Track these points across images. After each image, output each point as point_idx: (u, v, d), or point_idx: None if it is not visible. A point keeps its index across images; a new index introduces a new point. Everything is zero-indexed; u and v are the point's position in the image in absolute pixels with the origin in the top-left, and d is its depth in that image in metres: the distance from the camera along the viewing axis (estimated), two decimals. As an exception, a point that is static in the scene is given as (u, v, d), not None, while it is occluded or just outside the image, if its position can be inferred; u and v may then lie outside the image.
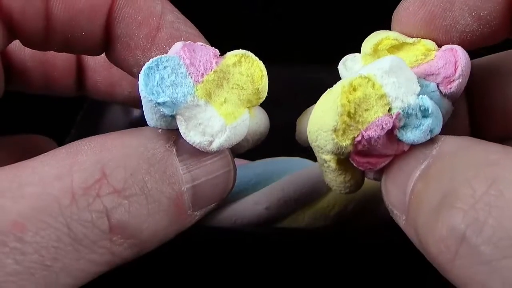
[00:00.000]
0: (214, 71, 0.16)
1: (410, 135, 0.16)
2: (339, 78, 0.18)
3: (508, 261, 0.12)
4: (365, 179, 0.19)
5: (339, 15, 0.41)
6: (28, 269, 0.14)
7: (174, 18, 0.18)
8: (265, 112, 0.19)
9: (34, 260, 0.14)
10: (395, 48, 0.18)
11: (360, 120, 0.16)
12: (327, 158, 0.17)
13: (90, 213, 0.15)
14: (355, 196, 0.24)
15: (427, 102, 0.16)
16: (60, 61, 0.24)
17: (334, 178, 0.18)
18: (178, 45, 0.17)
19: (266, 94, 0.17)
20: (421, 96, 0.16)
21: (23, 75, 0.23)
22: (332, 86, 0.17)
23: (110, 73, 0.24)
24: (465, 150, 0.15)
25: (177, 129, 0.16)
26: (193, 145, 0.16)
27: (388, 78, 0.16)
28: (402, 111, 0.16)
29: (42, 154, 0.16)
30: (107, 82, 0.24)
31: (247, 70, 0.17)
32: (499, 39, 0.17)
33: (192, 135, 0.16)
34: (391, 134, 0.16)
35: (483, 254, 0.13)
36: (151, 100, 0.16)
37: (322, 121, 0.16)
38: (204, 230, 0.25)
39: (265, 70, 0.17)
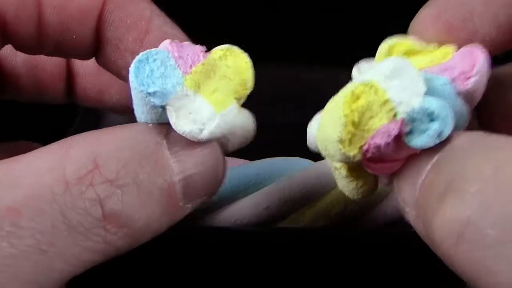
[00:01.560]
0: (202, 64, 0.17)
1: (418, 141, 0.15)
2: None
3: None
4: None
5: (339, 15, 0.41)
6: (24, 252, 0.14)
7: (162, 22, 0.19)
8: (250, 113, 0.19)
9: (30, 244, 0.14)
10: (411, 52, 0.17)
11: (365, 128, 0.15)
12: (338, 166, 0.17)
13: (83, 200, 0.15)
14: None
15: (432, 104, 0.15)
16: (50, 67, 0.24)
17: (347, 184, 0.17)
18: (166, 42, 0.17)
19: (252, 85, 0.18)
20: (426, 98, 0.15)
21: (15, 82, 0.24)
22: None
23: (99, 80, 0.25)
24: (476, 140, 0.15)
25: (168, 123, 0.17)
26: (184, 135, 0.17)
27: (390, 81, 0.15)
28: (407, 116, 0.15)
29: (35, 150, 0.16)
30: (96, 89, 0.25)
31: (233, 63, 0.17)
32: None
33: (182, 124, 0.16)
34: (400, 139, 0.15)
35: (488, 237, 0.12)
36: (142, 90, 0.16)
37: (327, 131, 0.16)
38: (204, 230, 0.25)
39: (251, 62, 0.18)
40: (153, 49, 0.17)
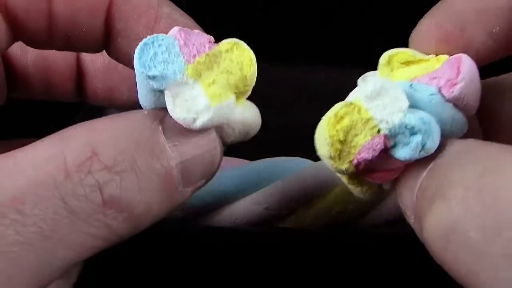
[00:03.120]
0: (206, 54, 0.17)
1: (402, 153, 0.16)
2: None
3: (498, 248, 0.13)
4: None
5: (340, 15, 0.41)
6: (29, 239, 0.15)
7: (171, 9, 0.19)
8: (257, 109, 0.19)
9: (34, 231, 0.15)
10: (410, 62, 0.18)
11: (352, 145, 0.16)
12: (339, 175, 0.18)
13: (83, 187, 0.15)
14: (355, 197, 0.24)
15: (412, 120, 0.16)
16: (60, 66, 0.24)
17: (352, 189, 0.18)
18: (175, 29, 0.18)
19: (253, 83, 0.18)
20: (408, 114, 0.16)
21: (25, 81, 0.24)
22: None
23: (109, 79, 0.25)
24: (469, 148, 0.15)
25: (164, 108, 0.17)
26: (179, 122, 0.17)
27: (371, 101, 0.16)
28: (389, 131, 0.16)
29: (34, 142, 0.16)
30: (106, 87, 0.25)
31: (238, 58, 0.18)
32: (511, 51, 0.18)
33: (178, 111, 0.17)
34: (387, 152, 0.17)
35: (471, 240, 0.13)
36: (143, 72, 0.17)
37: (320, 149, 0.17)
38: (204, 230, 0.25)
39: (255, 59, 0.18)
40: (160, 34, 0.17)
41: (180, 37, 0.17)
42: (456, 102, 0.17)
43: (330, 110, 0.17)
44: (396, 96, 0.16)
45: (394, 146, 0.16)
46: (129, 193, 0.16)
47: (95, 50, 0.20)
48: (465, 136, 0.18)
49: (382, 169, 0.17)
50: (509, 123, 0.20)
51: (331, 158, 0.17)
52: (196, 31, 0.18)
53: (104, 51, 0.20)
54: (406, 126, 0.16)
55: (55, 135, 0.16)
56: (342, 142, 0.16)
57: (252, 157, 0.27)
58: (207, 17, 0.20)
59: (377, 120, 0.16)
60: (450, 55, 0.17)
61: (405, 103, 0.16)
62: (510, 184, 0.13)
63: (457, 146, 0.16)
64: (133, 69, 0.18)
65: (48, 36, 0.19)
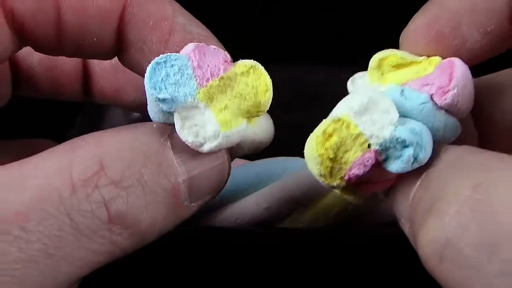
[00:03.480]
0: (220, 78, 0.17)
1: (394, 166, 0.16)
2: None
3: (493, 267, 0.12)
4: None
5: (340, 15, 0.41)
6: (32, 257, 0.14)
7: (186, 20, 0.18)
8: (270, 121, 0.19)
9: (38, 248, 0.15)
10: (401, 65, 0.18)
11: (343, 161, 0.16)
12: (332, 188, 0.17)
13: (89, 203, 0.15)
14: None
15: (402, 133, 0.16)
16: (67, 66, 0.24)
17: (346, 197, 0.18)
18: (189, 46, 0.17)
19: (267, 109, 0.18)
20: (398, 127, 0.16)
21: (31, 80, 0.24)
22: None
23: (116, 78, 0.24)
24: (463, 157, 0.15)
25: (173, 124, 0.17)
26: (186, 144, 0.17)
27: (360, 117, 0.16)
28: (379, 146, 0.16)
29: (42, 152, 0.16)
30: (113, 88, 0.25)
31: (253, 82, 0.17)
32: (504, 49, 0.18)
33: (186, 133, 0.16)
34: (380, 165, 0.16)
35: (467, 258, 0.13)
36: (153, 94, 0.16)
37: (309, 166, 0.17)
38: (204, 230, 0.25)
39: (271, 85, 0.17)
40: (173, 54, 0.17)
41: (194, 58, 0.17)
42: (449, 109, 0.16)
43: (317, 127, 0.16)
44: (385, 109, 0.16)
45: (385, 159, 0.16)
46: (135, 209, 0.16)
47: (106, 58, 0.20)
48: (460, 137, 0.17)
49: (375, 180, 0.17)
50: (504, 123, 0.19)
51: (321, 175, 0.16)
52: (212, 47, 0.17)
53: None
54: (397, 140, 0.16)
55: (63, 145, 0.16)
56: (332, 160, 0.16)
57: (252, 157, 0.27)
58: (207, 17, 0.20)
59: (366, 135, 0.16)
60: (442, 56, 0.17)
61: (395, 115, 0.16)
62: (505, 198, 0.12)
63: (450, 155, 0.15)
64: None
65: (57, 44, 0.18)
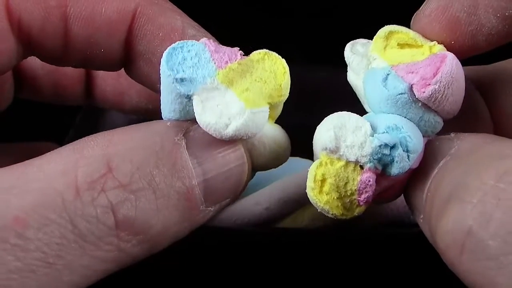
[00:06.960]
0: (238, 62, 0.16)
1: (394, 170, 0.16)
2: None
3: None
4: None
5: (340, 15, 0.41)
6: (30, 266, 0.14)
7: (195, 32, 0.18)
8: (286, 134, 0.18)
9: (36, 258, 0.14)
10: (406, 45, 0.17)
11: (349, 194, 0.16)
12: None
13: (94, 208, 0.14)
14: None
15: (382, 138, 0.16)
16: (69, 69, 0.23)
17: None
18: (203, 39, 0.17)
19: (288, 92, 0.17)
20: (375, 136, 0.16)
21: (33, 83, 0.24)
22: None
23: (119, 82, 0.24)
24: (481, 145, 0.15)
25: (188, 120, 0.16)
26: (208, 129, 0.16)
27: (337, 148, 0.16)
28: (370, 163, 0.16)
29: (48, 152, 0.15)
30: (116, 91, 0.24)
31: (271, 67, 0.17)
32: None
33: (208, 115, 0.16)
34: (383, 175, 0.16)
35: (490, 248, 0.12)
36: (170, 75, 0.16)
37: (327, 214, 0.16)
38: (204, 230, 0.25)
39: (288, 68, 0.17)
40: (189, 40, 0.16)
41: (210, 44, 0.16)
42: (427, 103, 0.16)
43: (307, 179, 0.16)
44: (355, 126, 0.16)
45: (383, 168, 0.16)
46: (145, 214, 0.15)
47: (113, 69, 0.19)
48: (476, 129, 0.17)
49: (388, 188, 0.17)
50: None
51: (342, 215, 0.16)
52: (224, 46, 0.17)
53: None
54: (380, 147, 0.16)
55: (69, 146, 0.15)
56: (339, 198, 0.16)
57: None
58: (206, 18, 0.20)
59: (352, 161, 0.16)
60: (456, 42, 0.17)
61: (367, 126, 0.16)
62: None
63: (468, 143, 0.15)
64: (154, 90, 0.18)
65: (63, 54, 0.18)
